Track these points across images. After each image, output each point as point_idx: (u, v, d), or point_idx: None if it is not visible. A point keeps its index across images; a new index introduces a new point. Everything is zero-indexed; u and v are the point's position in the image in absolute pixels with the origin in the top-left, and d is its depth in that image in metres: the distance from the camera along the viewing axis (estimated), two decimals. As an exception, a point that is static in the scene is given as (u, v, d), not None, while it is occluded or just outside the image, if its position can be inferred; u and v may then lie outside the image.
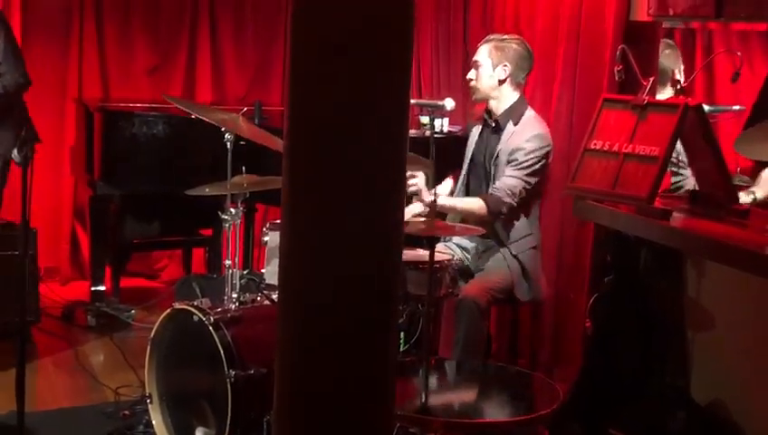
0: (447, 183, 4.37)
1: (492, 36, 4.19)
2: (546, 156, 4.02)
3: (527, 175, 3.96)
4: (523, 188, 3.96)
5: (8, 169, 4.77)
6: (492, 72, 4.07)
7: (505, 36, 4.16)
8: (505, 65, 4.06)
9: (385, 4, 2.11)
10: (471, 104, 4.44)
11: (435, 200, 3.47)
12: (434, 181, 3.84)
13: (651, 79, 3.14)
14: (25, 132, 3.56)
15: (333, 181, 2.13)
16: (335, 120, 2.11)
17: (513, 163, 3.98)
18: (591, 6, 4.42)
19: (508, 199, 3.95)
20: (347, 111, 2.11)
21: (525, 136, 4.00)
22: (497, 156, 4.05)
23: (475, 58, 4.14)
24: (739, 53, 3.66)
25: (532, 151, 3.97)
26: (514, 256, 4.03)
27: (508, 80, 4.07)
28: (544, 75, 4.70)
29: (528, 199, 4.02)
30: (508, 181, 3.96)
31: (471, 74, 4.14)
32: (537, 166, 3.98)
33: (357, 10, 2.09)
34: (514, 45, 4.09)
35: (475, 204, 4.00)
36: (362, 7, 2.09)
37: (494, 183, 4.03)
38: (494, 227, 4.02)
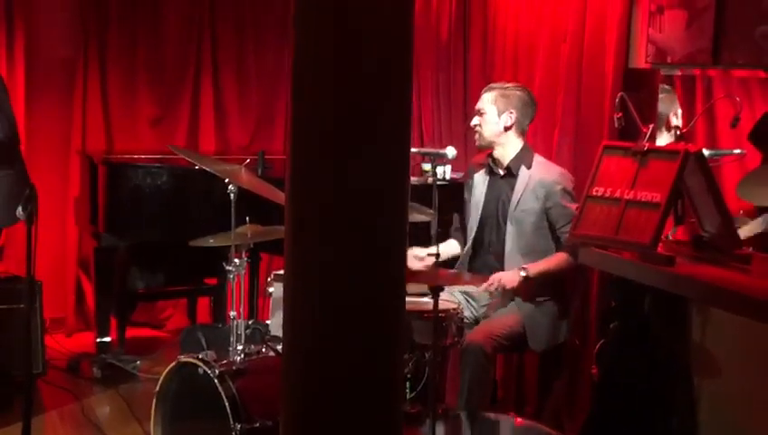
0: (452, 242, 4.36)
1: (494, 85, 4.22)
2: None
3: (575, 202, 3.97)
4: None
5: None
6: (497, 118, 4.09)
7: (508, 84, 4.20)
8: (511, 112, 4.08)
9: (384, 41, 2.15)
10: (472, 152, 4.46)
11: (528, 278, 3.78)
12: (437, 229, 3.85)
13: (651, 126, 3.15)
14: (30, 191, 3.57)
15: (335, 229, 2.14)
16: (335, 166, 2.13)
17: (566, 213, 3.98)
18: (590, 55, 4.46)
19: None
20: (347, 158, 2.13)
21: (552, 176, 4.07)
22: (519, 201, 4.05)
23: (478, 106, 4.16)
24: (738, 99, 3.68)
25: (571, 192, 4.03)
26: (524, 308, 4.02)
27: (514, 126, 4.10)
28: (544, 123, 4.73)
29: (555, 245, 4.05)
30: (573, 213, 3.90)
31: (475, 121, 4.16)
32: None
33: (354, 59, 2.12)
34: (518, 93, 4.12)
35: (561, 260, 4.02)
36: (361, 57, 2.12)
37: (520, 227, 4.03)
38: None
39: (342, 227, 2.15)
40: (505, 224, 4.09)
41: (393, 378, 2.25)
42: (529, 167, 4.09)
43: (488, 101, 4.11)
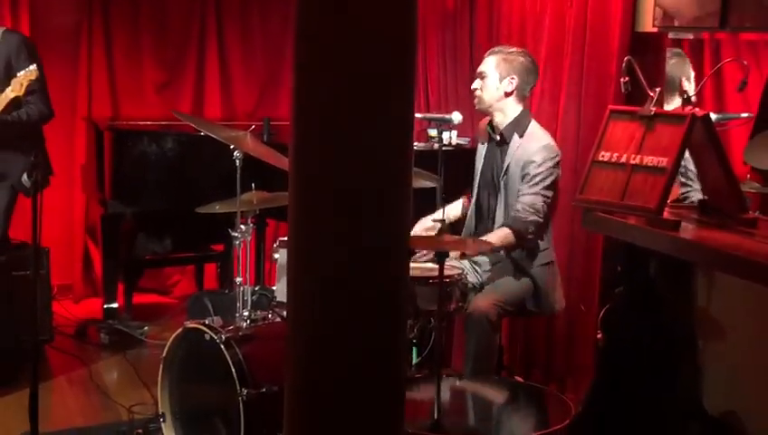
0: (458, 203, 4.35)
1: (498, 48, 4.17)
2: (557, 166, 4.01)
3: (543, 189, 3.94)
4: (543, 202, 3.94)
5: (16, 199, 4.81)
6: (498, 83, 4.06)
7: (512, 49, 4.15)
8: (512, 78, 4.04)
9: (386, 19, 2.12)
10: (478, 117, 4.43)
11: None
12: (442, 195, 3.84)
13: (658, 90, 3.12)
14: (35, 158, 3.58)
15: (339, 195, 2.14)
16: (339, 132, 2.12)
17: (526, 179, 3.95)
18: (597, 18, 4.42)
19: (532, 217, 3.91)
20: (349, 122, 2.12)
21: (533, 148, 3.99)
22: (506, 170, 4.03)
23: (480, 69, 4.12)
24: (745, 62, 3.64)
25: (543, 163, 3.95)
26: (527, 272, 4.02)
27: (514, 93, 4.06)
28: (551, 88, 4.70)
29: (547, 216, 4.02)
30: (527, 199, 3.94)
31: (476, 84, 4.12)
32: (551, 178, 3.97)
33: (358, 23, 2.10)
34: (521, 58, 4.08)
35: (503, 235, 3.92)
36: (364, 21, 2.11)
37: (506, 197, 4.01)
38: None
39: (344, 196, 2.14)
40: (499, 190, 4.08)
41: (397, 342, 2.25)
42: (521, 135, 4.04)
43: (490, 65, 4.08)
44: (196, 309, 4.72)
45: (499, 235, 3.94)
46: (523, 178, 3.97)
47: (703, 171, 3.31)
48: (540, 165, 3.95)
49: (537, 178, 3.94)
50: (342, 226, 2.15)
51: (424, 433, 3.08)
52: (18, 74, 4.42)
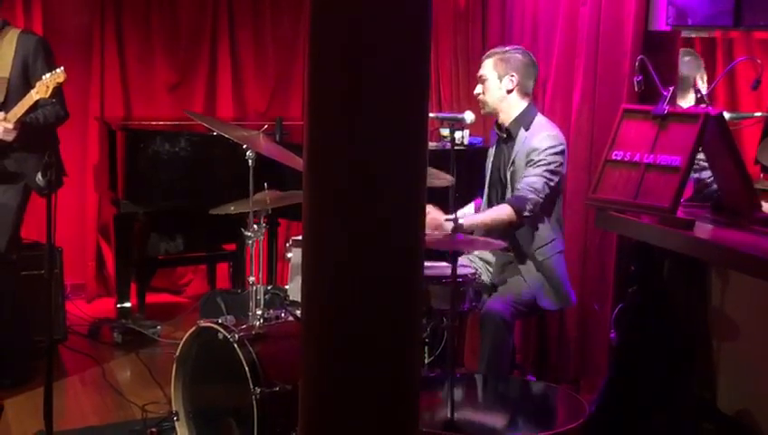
0: (470, 206, 4.35)
1: (493, 51, 4.19)
2: (561, 154, 4.00)
3: (546, 172, 3.93)
4: (545, 183, 3.92)
5: (29, 199, 4.80)
6: (499, 83, 4.07)
7: (507, 48, 4.17)
8: (512, 75, 4.05)
9: (401, 17, 2.13)
10: (490, 117, 4.43)
11: (459, 224, 3.47)
12: (455, 194, 3.84)
13: (671, 88, 3.13)
14: (49, 158, 3.59)
15: (353, 195, 2.14)
16: (353, 131, 2.12)
17: (530, 163, 3.96)
18: (610, 17, 4.41)
19: (532, 196, 3.90)
20: (364, 124, 2.12)
21: (538, 138, 3.99)
22: (513, 162, 4.03)
23: (479, 73, 4.14)
24: (759, 61, 3.64)
25: (547, 150, 3.95)
26: (539, 265, 4.01)
27: (516, 89, 4.06)
28: (564, 87, 4.69)
29: (549, 202, 4.01)
30: (528, 179, 3.93)
31: (478, 89, 4.14)
32: (554, 164, 3.95)
33: (372, 23, 2.10)
34: (518, 55, 4.09)
35: (501, 211, 3.94)
36: (378, 20, 2.11)
37: (513, 190, 4.02)
38: (516, 235, 3.99)
39: (359, 195, 2.15)
40: (506, 184, 4.08)
41: (411, 339, 2.25)
42: (527, 128, 4.05)
43: (488, 67, 4.09)
44: (209, 308, 4.72)
45: (496, 209, 3.98)
46: (527, 163, 3.98)
47: (716, 170, 3.30)
48: (543, 151, 3.95)
49: (541, 163, 3.94)
50: (357, 224, 2.15)
51: (438, 432, 3.08)
52: (44, 77, 4.39)
